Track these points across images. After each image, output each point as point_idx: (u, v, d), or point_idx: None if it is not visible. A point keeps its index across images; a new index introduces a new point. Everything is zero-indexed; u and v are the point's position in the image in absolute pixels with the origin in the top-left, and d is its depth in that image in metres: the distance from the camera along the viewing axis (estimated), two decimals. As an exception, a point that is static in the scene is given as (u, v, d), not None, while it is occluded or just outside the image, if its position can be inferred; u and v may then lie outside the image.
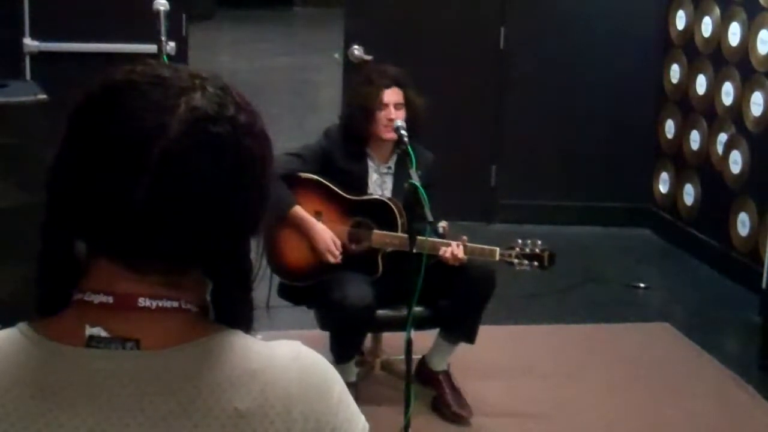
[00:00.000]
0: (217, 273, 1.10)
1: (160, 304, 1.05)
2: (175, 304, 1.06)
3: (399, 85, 3.82)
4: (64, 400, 1.02)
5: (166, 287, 1.06)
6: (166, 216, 1.01)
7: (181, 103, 1.03)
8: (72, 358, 1.03)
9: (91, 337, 1.04)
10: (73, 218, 1.05)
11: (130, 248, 1.03)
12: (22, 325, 1.08)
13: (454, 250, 3.62)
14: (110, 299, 1.04)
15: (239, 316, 1.12)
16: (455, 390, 3.95)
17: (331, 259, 3.74)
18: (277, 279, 3.89)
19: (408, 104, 3.81)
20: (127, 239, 1.03)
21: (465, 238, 3.70)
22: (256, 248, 1.12)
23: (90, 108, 1.05)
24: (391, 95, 3.79)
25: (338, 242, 3.77)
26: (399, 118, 3.74)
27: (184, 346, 1.05)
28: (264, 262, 1.14)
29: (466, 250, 3.65)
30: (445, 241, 3.67)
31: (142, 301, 1.05)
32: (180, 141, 1.01)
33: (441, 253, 3.62)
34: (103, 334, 1.04)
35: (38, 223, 1.09)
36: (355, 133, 3.84)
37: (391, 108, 3.76)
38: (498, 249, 3.67)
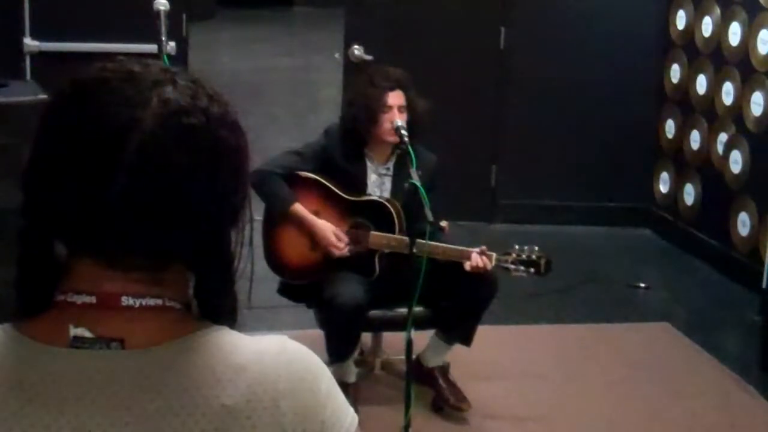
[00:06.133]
0: (199, 266, 1.10)
1: (144, 303, 1.05)
2: (159, 301, 1.06)
3: (402, 87, 3.81)
4: (48, 401, 1.01)
5: (149, 284, 1.05)
6: (144, 210, 1.01)
7: (154, 97, 1.03)
8: (57, 358, 1.03)
9: (75, 338, 1.03)
10: (51, 219, 1.05)
11: (109, 245, 1.03)
12: (5, 326, 1.08)
13: (486, 264, 3.61)
14: (93, 299, 1.04)
15: (223, 309, 1.11)
16: (451, 384, 3.95)
17: (336, 252, 3.74)
18: (257, 277, 3.87)
19: (410, 107, 3.81)
20: (106, 236, 1.02)
21: (484, 247, 3.68)
22: (236, 240, 1.11)
23: (62, 106, 1.05)
24: (395, 98, 3.78)
25: (341, 234, 3.77)
26: (402, 121, 3.74)
27: (169, 343, 1.05)
28: (246, 254, 1.13)
29: (464, 254, 3.64)
30: (455, 247, 3.66)
31: (125, 300, 1.04)
32: (154, 134, 1.01)
33: (473, 263, 3.60)
34: (87, 334, 1.03)
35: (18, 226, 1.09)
36: (356, 134, 3.83)
37: (395, 111, 3.76)
38: (494, 255, 3.67)
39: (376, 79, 3.82)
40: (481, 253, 3.63)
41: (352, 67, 5.75)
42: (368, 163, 3.88)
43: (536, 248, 3.73)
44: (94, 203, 1.00)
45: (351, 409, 1.13)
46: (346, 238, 3.77)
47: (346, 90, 5.74)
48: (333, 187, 3.81)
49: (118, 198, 1.00)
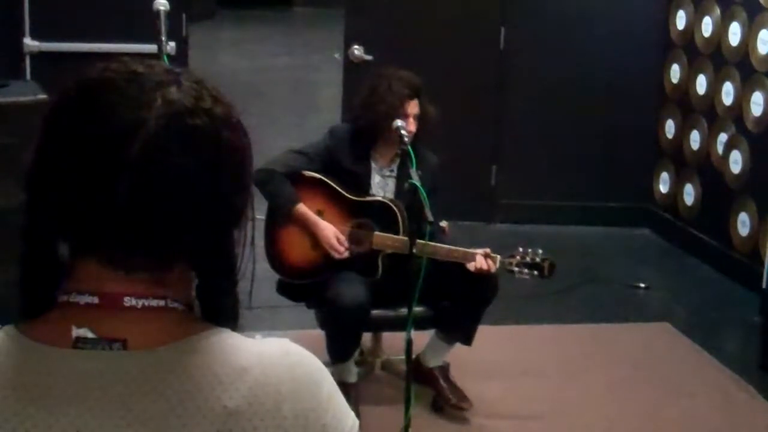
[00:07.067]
0: (202, 267, 1.10)
1: (146, 303, 1.05)
2: (162, 302, 1.06)
3: (418, 96, 3.83)
4: (51, 402, 1.01)
5: (152, 285, 1.05)
6: (148, 211, 1.01)
7: (158, 98, 1.03)
8: (59, 359, 1.03)
9: (78, 339, 1.03)
10: (55, 219, 1.05)
11: (114, 246, 1.03)
12: (8, 328, 1.08)
13: (491, 266, 3.62)
14: (96, 299, 1.04)
15: (225, 310, 1.11)
16: (452, 384, 3.96)
17: (337, 255, 3.74)
18: (258, 277, 3.86)
19: (422, 115, 3.83)
20: (110, 237, 1.02)
21: (488, 250, 3.69)
22: (238, 240, 1.11)
23: (66, 107, 1.05)
24: (414, 107, 3.80)
25: (342, 238, 3.77)
26: (414, 129, 3.75)
27: (172, 345, 1.05)
28: (248, 254, 1.13)
29: (468, 256, 3.64)
30: (459, 248, 3.66)
31: (128, 301, 1.04)
32: (159, 135, 1.01)
33: (478, 266, 3.61)
34: (90, 335, 1.03)
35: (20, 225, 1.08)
36: (368, 136, 3.83)
37: (411, 120, 3.76)
38: (499, 257, 3.68)
39: (395, 84, 3.80)
40: (486, 256, 3.63)
41: (352, 67, 5.75)
42: (373, 165, 3.88)
43: (540, 251, 3.74)
44: (97, 203, 1.01)
45: (352, 413, 1.13)
46: (347, 243, 3.77)
47: (347, 90, 5.75)
48: (337, 187, 3.81)
49: (122, 198, 1.00)
